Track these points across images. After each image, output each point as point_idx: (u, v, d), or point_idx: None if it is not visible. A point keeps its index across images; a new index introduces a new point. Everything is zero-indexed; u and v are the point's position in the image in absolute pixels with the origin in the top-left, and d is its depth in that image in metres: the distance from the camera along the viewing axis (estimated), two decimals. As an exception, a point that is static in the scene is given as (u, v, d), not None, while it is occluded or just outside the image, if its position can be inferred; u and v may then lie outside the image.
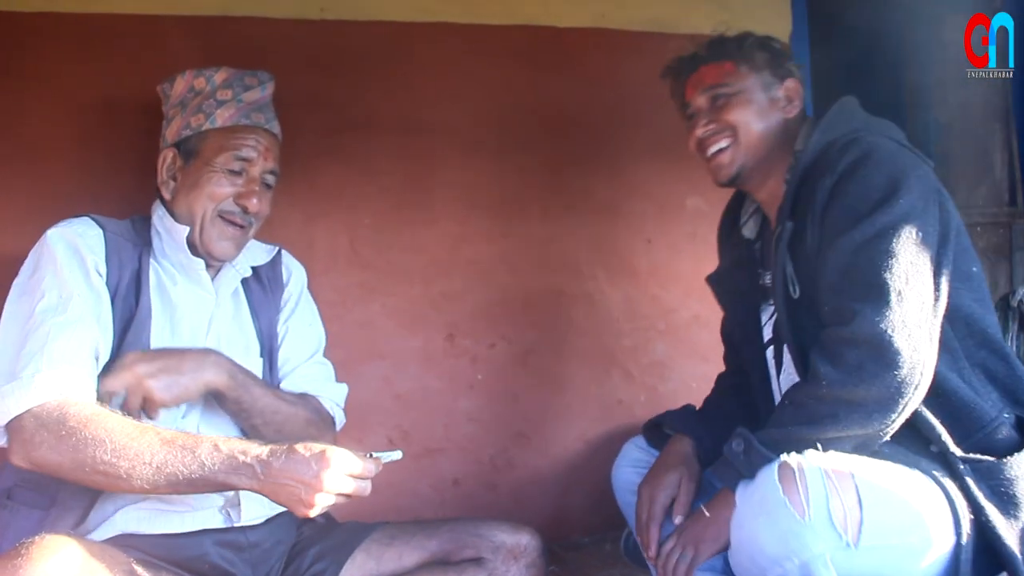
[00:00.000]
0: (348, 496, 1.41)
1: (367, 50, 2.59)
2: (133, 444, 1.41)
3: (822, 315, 1.55)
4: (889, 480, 1.42)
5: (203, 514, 1.65)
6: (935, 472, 1.45)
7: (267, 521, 1.75)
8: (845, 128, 1.68)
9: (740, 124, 1.76)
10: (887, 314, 1.43)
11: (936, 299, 1.50)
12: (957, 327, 1.57)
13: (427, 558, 1.74)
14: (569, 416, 2.76)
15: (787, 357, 1.71)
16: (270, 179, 1.81)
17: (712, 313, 2.86)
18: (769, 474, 1.39)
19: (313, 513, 1.39)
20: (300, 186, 2.46)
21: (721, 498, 1.61)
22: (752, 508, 1.41)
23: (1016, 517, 1.44)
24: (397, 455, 1.51)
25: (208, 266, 1.77)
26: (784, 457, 1.41)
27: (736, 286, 1.93)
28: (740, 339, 1.92)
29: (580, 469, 2.73)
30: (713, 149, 1.80)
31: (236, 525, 1.69)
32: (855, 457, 1.44)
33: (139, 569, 1.42)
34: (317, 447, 1.39)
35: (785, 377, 1.75)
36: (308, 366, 1.91)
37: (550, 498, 2.71)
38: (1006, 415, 1.56)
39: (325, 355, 1.98)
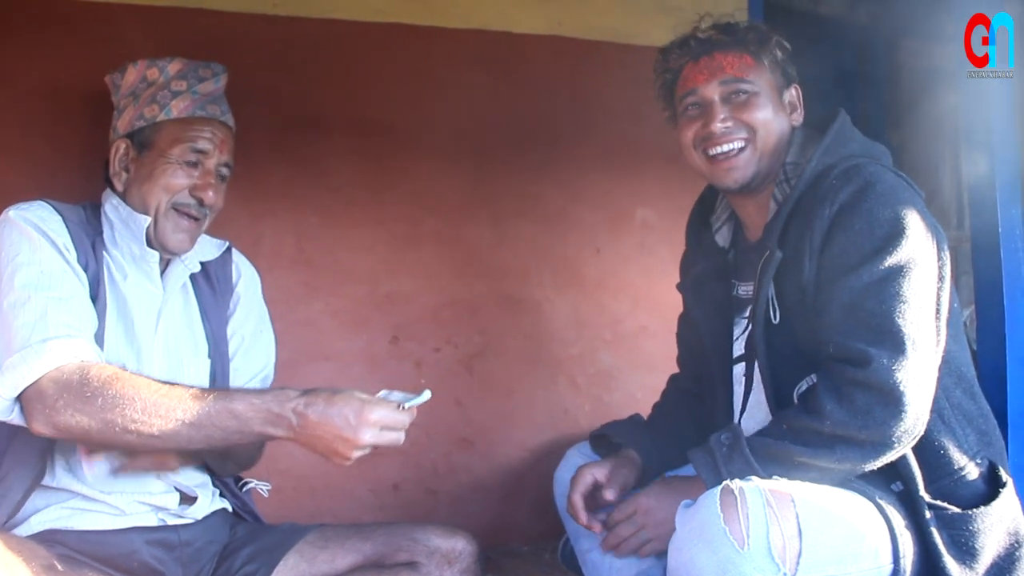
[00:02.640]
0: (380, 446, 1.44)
1: (320, 48, 2.58)
2: (164, 400, 1.41)
3: (820, 350, 1.51)
4: (831, 509, 1.41)
5: (135, 515, 1.64)
6: (881, 502, 1.46)
7: (201, 520, 1.73)
8: (844, 151, 1.62)
9: (760, 127, 1.66)
10: (903, 363, 1.41)
11: (937, 344, 1.50)
12: (941, 368, 1.54)
13: (360, 561, 1.73)
14: (513, 423, 2.75)
15: (757, 377, 1.68)
16: (225, 172, 1.80)
17: (660, 324, 2.90)
18: (711, 499, 1.37)
19: (348, 463, 1.43)
20: (247, 183, 2.39)
21: (693, 481, 1.59)
22: (691, 533, 1.38)
23: (973, 569, 1.45)
24: (426, 396, 1.51)
25: (159, 259, 1.75)
26: (728, 482, 1.39)
27: (710, 296, 1.86)
28: (710, 351, 1.85)
29: (523, 477, 2.73)
30: (726, 147, 1.66)
31: (169, 524, 1.68)
32: (798, 483, 1.43)
33: (60, 566, 1.40)
34: (355, 398, 1.41)
35: (754, 396, 1.72)
36: (253, 383, 1.89)
37: (491, 505, 2.70)
38: (979, 461, 1.56)
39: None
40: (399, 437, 1.45)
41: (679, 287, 1.96)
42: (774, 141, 1.68)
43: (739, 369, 1.79)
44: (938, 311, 1.51)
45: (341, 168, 2.58)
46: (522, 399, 2.77)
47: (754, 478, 1.41)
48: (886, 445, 1.43)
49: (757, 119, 1.66)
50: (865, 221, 1.50)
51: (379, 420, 1.41)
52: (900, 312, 1.44)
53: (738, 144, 1.66)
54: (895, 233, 1.48)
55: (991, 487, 1.55)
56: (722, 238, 1.88)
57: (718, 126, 1.65)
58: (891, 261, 1.47)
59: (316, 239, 2.55)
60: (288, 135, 2.53)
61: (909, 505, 1.48)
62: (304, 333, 2.51)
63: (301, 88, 2.55)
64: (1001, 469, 1.57)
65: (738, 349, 1.79)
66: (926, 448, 1.52)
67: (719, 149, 1.67)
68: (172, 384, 1.46)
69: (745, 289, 1.78)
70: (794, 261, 1.57)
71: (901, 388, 1.40)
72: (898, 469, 1.50)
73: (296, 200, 2.54)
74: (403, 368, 2.62)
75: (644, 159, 2.97)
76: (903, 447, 1.44)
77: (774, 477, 1.44)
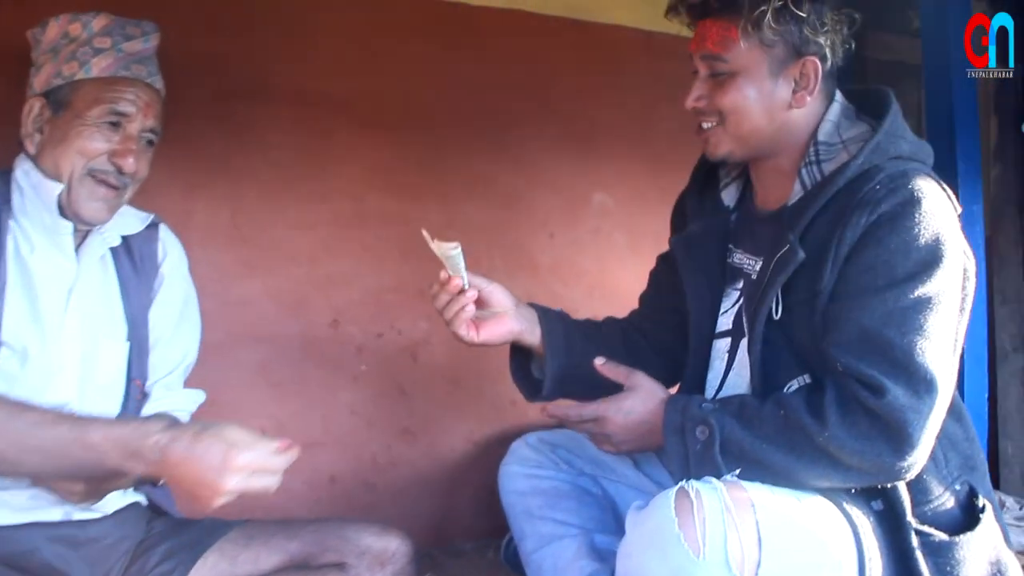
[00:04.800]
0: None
1: (264, 13, 2.48)
2: (12, 424, 1.28)
3: (826, 364, 1.41)
4: (793, 516, 1.34)
5: (35, 509, 1.53)
6: (848, 509, 1.40)
7: (111, 515, 1.62)
8: (893, 150, 1.48)
9: (729, 112, 1.54)
10: (918, 405, 1.32)
11: (951, 384, 1.41)
12: None
13: (286, 561, 1.63)
14: (458, 414, 2.69)
15: (741, 357, 1.60)
16: (150, 138, 1.68)
17: (616, 313, 2.84)
18: (665, 502, 1.29)
19: (208, 511, 1.27)
20: (180, 153, 2.32)
21: (657, 415, 1.52)
22: (643, 538, 1.30)
23: None
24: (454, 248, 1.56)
25: (74, 231, 1.63)
26: (683, 484, 1.31)
27: (702, 259, 1.73)
28: (692, 318, 1.73)
29: (467, 471, 2.67)
30: (702, 124, 1.59)
31: (75, 519, 1.57)
32: (759, 486, 1.36)
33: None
34: (226, 434, 1.28)
35: (734, 376, 1.63)
36: (173, 376, 1.79)
37: (434, 500, 2.64)
38: (957, 487, 1.50)
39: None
40: (272, 482, 1.31)
41: (671, 240, 1.83)
42: (752, 127, 1.55)
43: (722, 344, 1.68)
44: (954, 347, 1.43)
45: (283, 141, 2.49)
46: (468, 389, 2.70)
47: (713, 480, 1.34)
48: (875, 477, 1.37)
49: (726, 103, 1.54)
50: (903, 240, 1.39)
51: (248, 465, 1.27)
52: (923, 349, 1.35)
53: (709, 123, 1.58)
54: (932, 261, 1.38)
55: (968, 513, 1.50)
56: (728, 196, 1.76)
57: (690, 102, 1.58)
58: (921, 291, 1.37)
59: (253, 215, 2.46)
60: (227, 104, 2.43)
61: (892, 527, 1.42)
62: (238, 314, 2.42)
63: (242, 55, 2.45)
64: (980, 494, 1.51)
65: (724, 323, 1.69)
66: None
67: (700, 123, 1.61)
68: (25, 406, 1.32)
69: (742, 259, 1.68)
70: (814, 263, 1.45)
71: (910, 430, 1.32)
72: (883, 490, 1.43)
73: (233, 173, 2.44)
74: (343, 353, 2.54)
75: (603, 142, 2.95)
76: (893, 482, 1.39)
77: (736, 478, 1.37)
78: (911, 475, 1.36)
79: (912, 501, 1.43)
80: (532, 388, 1.84)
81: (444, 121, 2.70)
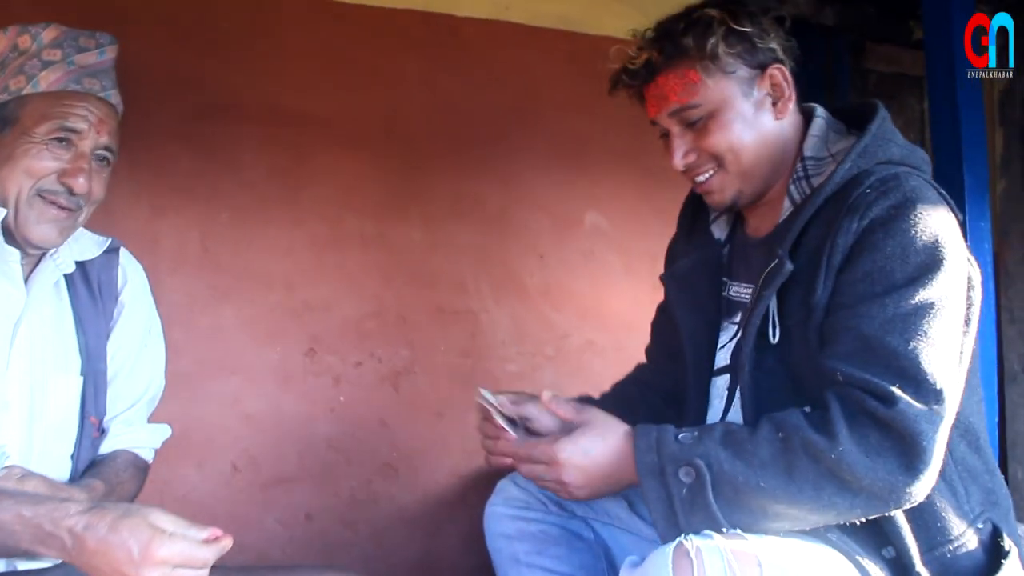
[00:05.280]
0: None
1: (234, 26, 2.42)
2: None
3: (822, 380, 1.31)
4: (804, 573, 1.23)
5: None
6: (863, 563, 1.29)
7: (60, 564, 1.51)
8: (882, 155, 1.43)
9: (726, 151, 1.47)
10: (929, 415, 1.22)
11: (958, 397, 1.32)
12: None
13: (242, 616, 1.52)
14: (444, 448, 2.59)
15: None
16: (105, 156, 1.58)
17: (608, 340, 2.78)
18: (662, 561, 1.18)
19: None
20: (147, 174, 2.26)
21: (623, 466, 1.38)
22: None
23: None
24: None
25: (23, 256, 1.53)
26: (681, 539, 1.20)
27: (695, 294, 1.66)
28: (688, 356, 1.65)
29: (453, 507, 2.57)
30: (699, 178, 1.52)
31: (19, 569, 1.46)
32: (767, 539, 1.25)
33: None
34: (149, 521, 1.16)
35: (734, 413, 1.53)
36: (134, 410, 1.69)
37: (417, 539, 2.54)
38: (980, 525, 1.38)
39: (166, 367, 1.79)
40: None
41: (662, 277, 1.76)
42: (753, 155, 1.48)
43: (721, 382, 1.59)
44: (960, 359, 1.33)
45: (255, 161, 2.42)
46: (453, 421, 2.60)
47: (713, 535, 1.22)
48: (885, 501, 1.24)
49: (719, 144, 1.47)
50: (899, 244, 1.30)
51: (170, 558, 1.14)
52: (929, 357, 1.25)
53: (707, 173, 1.51)
54: (932, 264, 1.30)
55: (992, 556, 1.38)
56: (718, 229, 1.69)
57: (679, 163, 1.51)
58: (923, 296, 1.28)
59: (225, 239, 2.37)
60: (196, 122, 2.36)
61: (897, 573, 1.31)
62: (209, 343, 2.34)
63: (214, 71, 2.39)
64: (1005, 535, 1.40)
65: (722, 359, 1.60)
66: (923, 510, 1.32)
67: (696, 179, 1.54)
68: None
69: (738, 291, 1.60)
70: (806, 275, 1.37)
71: (924, 442, 1.21)
72: (888, 534, 1.31)
73: (203, 195, 2.36)
74: (320, 384, 2.45)
75: (594, 158, 2.87)
76: (900, 507, 1.26)
77: (739, 529, 1.25)
78: (919, 498, 1.24)
79: (928, 543, 1.33)
80: None
81: (427, 138, 2.62)
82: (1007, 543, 1.38)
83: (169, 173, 2.32)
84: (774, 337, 1.41)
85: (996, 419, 2.56)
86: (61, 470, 1.55)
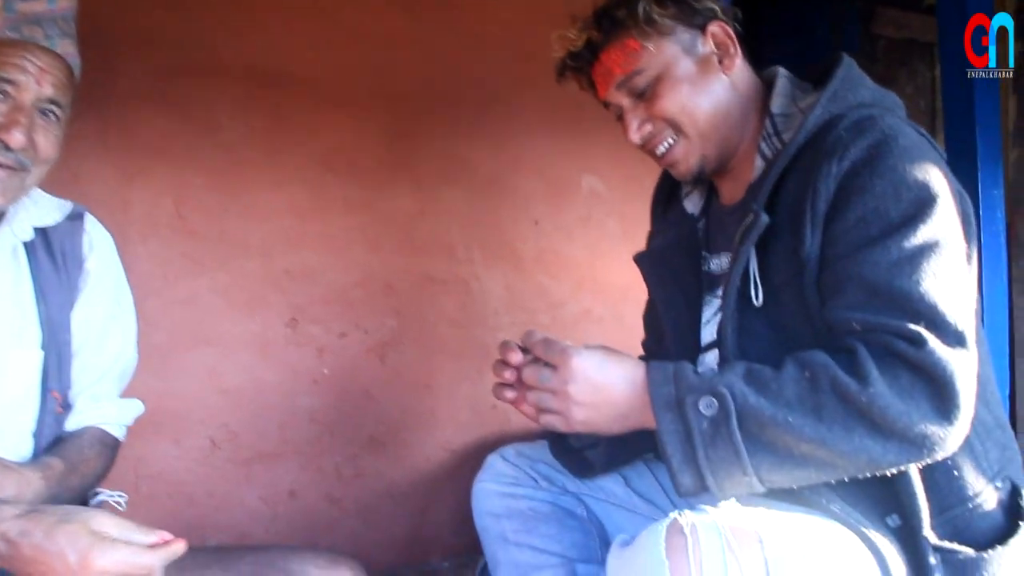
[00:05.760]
0: None
1: None
2: None
3: (835, 331, 1.24)
4: (808, 550, 1.14)
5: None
6: (873, 538, 1.21)
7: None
8: (853, 98, 1.38)
9: (678, 114, 1.44)
10: (960, 359, 1.14)
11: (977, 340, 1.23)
12: None
13: (219, 598, 1.44)
14: (433, 421, 2.53)
15: None
16: (52, 111, 1.47)
17: (606, 308, 2.71)
18: (654, 540, 1.10)
19: None
20: (117, 137, 2.16)
21: (636, 399, 1.26)
22: None
23: None
24: None
25: None
26: (675, 515, 1.11)
27: (672, 272, 1.61)
28: (671, 338, 1.60)
29: (443, 482, 2.51)
30: (659, 149, 1.49)
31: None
32: (768, 513, 1.16)
33: None
34: (84, 533, 1.10)
35: None
36: (102, 384, 1.61)
37: (405, 515, 2.48)
38: (998, 484, 1.30)
39: (139, 340, 1.70)
40: None
41: (635, 258, 1.70)
42: (708, 115, 1.45)
43: (710, 358, 1.50)
44: (970, 299, 1.24)
45: (233, 122, 2.32)
46: (443, 393, 2.55)
47: (709, 510, 1.12)
48: (920, 447, 1.14)
49: (670, 107, 1.44)
50: (888, 182, 1.23)
51: (110, 567, 1.09)
52: (943, 297, 1.17)
53: (667, 143, 1.47)
54: (927, 199, 1.22)
55: (1011, 517, 1.30)
56: (692, 204, 1.64)
57: (635, 136, 1.49)
58: (924, 233, 1.20)
59: (201, 204, 2.28)
60: (169, 82, 2.25)
61: (909, 545, 1.22)
62: (184, 314, 2.25)
63: (189, 28, 2.28)
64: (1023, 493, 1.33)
65: (708, 335, 1.52)
66: (937, 468, 1.24)
67: (655, 151, 1.51)
68: None
69: (718, 262, 1.53)
70: (790, 230, 1.30)
71: (957, 384, 1.13)
72: (898, 496, 1.23)
73: (177, 158, 2.26)
74: (303, 356, 2.37)
75: (591, 120, 2.73)
76: (933, 457, 1.17)
77: (761, 473, 1.17)
78: (952, 448, 1.16)
79: (940, 505, 1.25)
80: (578, 464, 1.66)
81: (414, 99, 2.54)
82: None
83: (141, 135, 2.22)
84: (757, 299, 1.33)
85: (1008, 391, 2.56)
86: (22, 448, 1.46)
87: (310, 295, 2.40)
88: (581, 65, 1.54)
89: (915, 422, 1.12)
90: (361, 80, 2.47)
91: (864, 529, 1.21)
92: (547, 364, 1.29)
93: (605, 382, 1.26)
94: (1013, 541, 1.26)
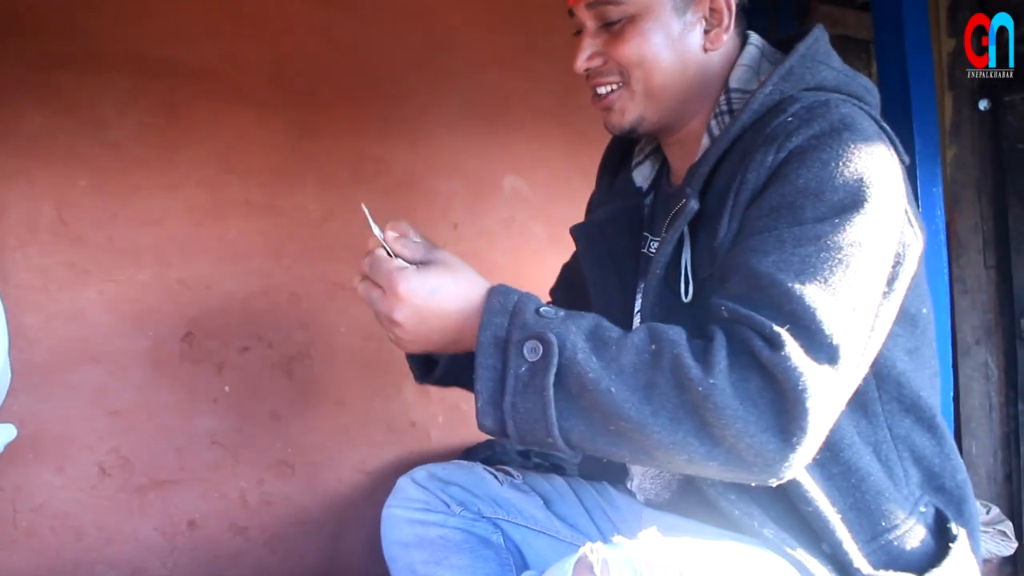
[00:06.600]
0: None
1: None
2: None
3: (712, 312, 1.12)
4: None
5: None
6: (808, 565, 1.11)
7: None
8: (811, 78, 1.27)
9: (634, 65, 1.32)
10: (821, 377, 1.02)
11: (862, 362, 1.13)
12: (885, 386, 1.21)
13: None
14: (346, 440, 2.43)
15: None
16: None
17: None
18: (560, 573, 0.99)
19: None
20: None
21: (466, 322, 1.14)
22: None
23: None
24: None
25: None
26: (585, 549, 0.99)
27: (610, 250, 1.49)
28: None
29: (359, 506, 2.40)
30: (599, 89, 1.36)
31: None
32: (691, 544, 1.05)
33: None
34: None
35: None
36: None
37: (318, 543, 2.38)
38: (922, 508, 1.21)
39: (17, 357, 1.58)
40: None
41: (572, 230, 1.56)
42: (664, 78, 1.31)
43: None
44: (872, 325, 1.13)
45: (121, 118, 2.19)
46: (356, 410, 2.45)
47: (624, 543, 1.01)
48: (748, 465, 1.02)
49: (628, 54, 1.30)
50: (816, 177, 1.11)
51: None
52: (825, 306, 1.05)
53: (610, 87, 1.34)
54: (851, 204, 1.10)
55: (940, 542, 1.22)
56: (641, 176, 1.51)
57: (581, 64, 1.35)
58: (833, 239, 1.08)
59: (85, 208, 2.15)
60: (48, 73, 2.12)
61: (846, 574, 1.13)
62: (69, 328, 2.12)
63: (67, 14, 2.15)
64: (951, 518, 1.24)
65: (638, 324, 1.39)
66: (854, 492, 1.16)
67: (595, 90, 1.37)
68: None
69: (656, 250, 1.40)
70: (712, 218, 1.20)
71: (807, 402, 0.99)
72: (817, 526, 1.13)
73: (58, 158, 2.13)
74: (200, 372, 2.24)
75: (516, 117, 2.74)
76: (763, 480, 1.05)
77: (570, 438, 1.05)
78: (786, 475, 1.04)
79: (870, 531, 1.17)
80: (423, 367, 1.54)
81: (322, 93, 2.44)
82: (954, 527, 1.23)
83: (17, 133, 2.09)
84: (687, 295, 1.22)
85: (951, 393, 2.51)
86: None
87: (207, 307, 2.28)
88: None
89: (749, 432, 1.00)
90: (263, 72, 2.36)
91: (798, 557, 1.11)
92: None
93: (436, 309, 1.14)
94: (946, 563, 1.18)
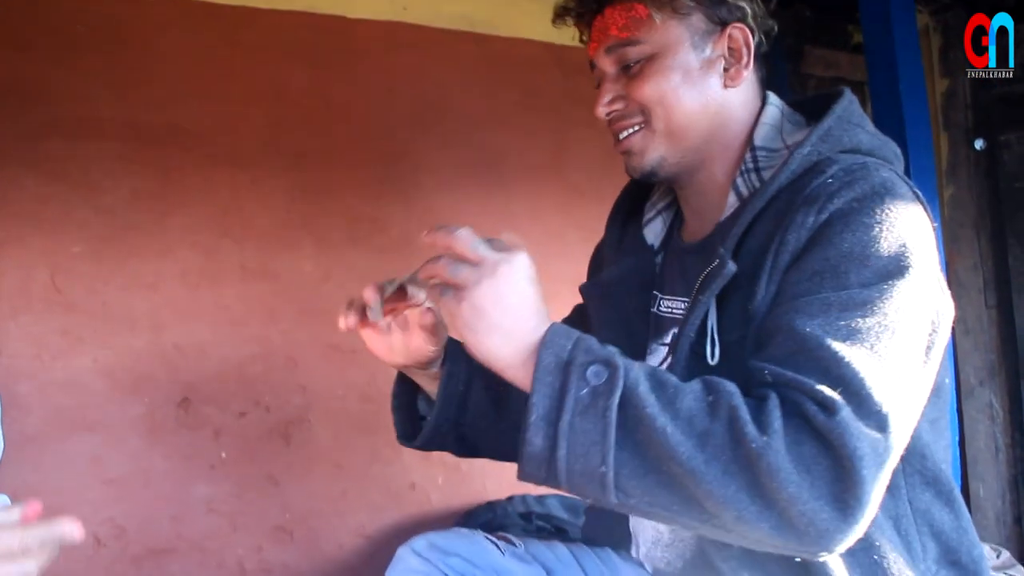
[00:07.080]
0: None
1: (89, 33, 2.24)
2: None
3: (755, 377, 1.09)
4: None
5: None
6: None
7: None
8: (848, 141, 1.26)
9: (655, 105, 1.32)
10: (876, 445, 0.99)
11: (911, 417, 1.11)
12: (910, 458, 1.18)
13: None
14: (345, 504, 2.42)
15: None
16: None
17: None
18: None
19: None
20: None
21: (539, 322, 1.07)
22: None
23: None
24: None
25: None
26: None
27: (620, 313, 1.47)
28: None
29: (358, 572, 2.39)
30: (621, 135, 1.36)
31: None
32: None
33: None
34: None
35: None
36: None
37: None
38: None
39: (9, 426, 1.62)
40: (21, 571, 0.95)
41: (582, 288, 1.54)
42: (685, 116, 1.32)
43: None
44: (915, 391, 1.11)
45: (114, 183, 2.21)
46: (355, 473, 2.44)
47: None
48: (799, 535, 0.98)
49: (648, 93, 1.30)
50: (860, 242, 1.10)
51: None
52: (875, 373, 1.03)
53: (631, 129, 1.34)
54: (895, 271, 1.09)
55: None
56: (652, 233, 1.50)
57: (603, 109, 1.35)
58: (879, 306, 1.07)
59: (79, 274, 2.17)
60: (42, 140, 2.15)
61: None
62: (63, 397, 2.12)
63: (61, 80, 2.19)
64: None
65: None
66: (870, 567, 1.13)
67: (617, 135, 1.37)
68: None
69: (670, 305, 1.41)
70: (748, 280, 1.18)
71: (864, 471, 0.96)
72: None
73: (52, 224, 2.15)
74: (197, 439, 2.24)
75: (511, 173, 2.75)
76: (813, 553, 1.03)
77: (621, 472, 1.00)
78: (839, 549, 1.00)
79: None
80: (410, 427, 1.52)
81: (316, 155, 2.46)
82: None
83: (11, 199, 2.11)
84: (712, 357, 1.20)
85: (957, 436, 2.53)
86: None
87: (203, 372, 2.28)
88: (584, 12, 1.40)
89: (803, 499, 0.96)
90: (257, 135, 2.38)
91: None
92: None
93: (518, 296, 1.07)
94: None
